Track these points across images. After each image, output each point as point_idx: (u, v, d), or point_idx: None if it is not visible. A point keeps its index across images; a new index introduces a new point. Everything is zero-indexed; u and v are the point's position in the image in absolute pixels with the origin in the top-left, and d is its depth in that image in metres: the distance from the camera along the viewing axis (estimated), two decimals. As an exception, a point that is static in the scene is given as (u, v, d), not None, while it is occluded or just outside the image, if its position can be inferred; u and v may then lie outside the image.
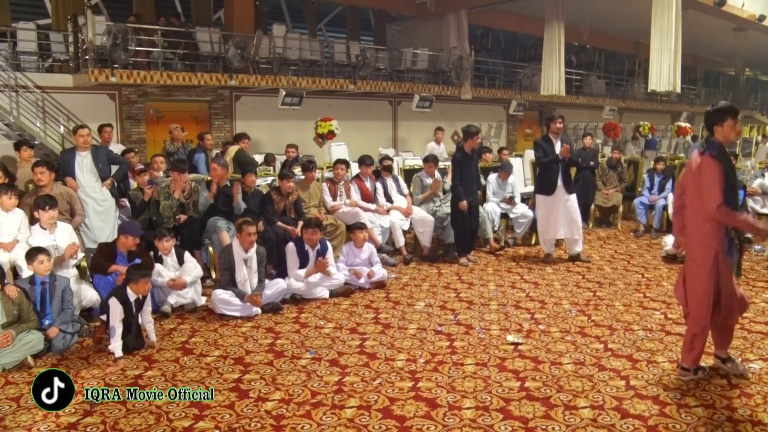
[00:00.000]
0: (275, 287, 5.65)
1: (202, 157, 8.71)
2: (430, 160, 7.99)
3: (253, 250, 5.56)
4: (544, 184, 7.22)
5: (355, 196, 7.57)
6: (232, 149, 8.46)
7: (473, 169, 7.32)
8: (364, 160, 7.81)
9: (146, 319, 4.69)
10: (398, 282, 6.50)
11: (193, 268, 5.66)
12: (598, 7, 16.42)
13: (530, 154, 9.23)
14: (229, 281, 5.45)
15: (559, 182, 7.08)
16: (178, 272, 5.58)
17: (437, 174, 7.97)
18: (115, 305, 4.40)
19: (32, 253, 4.67)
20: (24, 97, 9.51)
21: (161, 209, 6.32)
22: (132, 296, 4.55)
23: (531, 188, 8.93)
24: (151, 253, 5.66)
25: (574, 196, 7.20)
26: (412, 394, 3.77)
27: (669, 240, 7.40)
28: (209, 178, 6.99)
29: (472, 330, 4.94)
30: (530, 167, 9.54)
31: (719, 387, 3.83)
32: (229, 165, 8.28)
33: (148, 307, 4.72)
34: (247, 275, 5.50)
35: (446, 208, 7.60)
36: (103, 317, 4.66)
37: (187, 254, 5.81)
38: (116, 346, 4.36)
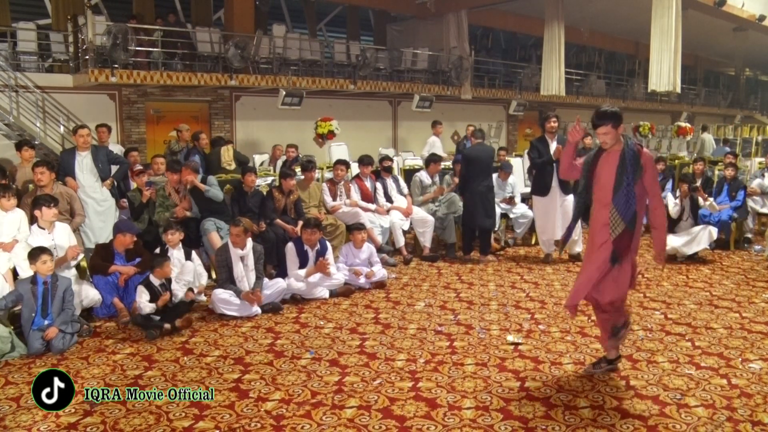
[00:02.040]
0: (275, 287, 5.65)
1: (196, 157, 8.72)
2: (434, 160, 8.01)
3: (249, 248, 5.57)
4: (539, 185, 7.22)
5: (355, 196, 7.57)
6: (231, 147, 8.58)
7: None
8: (363, 160, 7.82)
9: (178, 290, 5.18)
10: (398, 282, 6.50)
11: (190, 270, 5.61)
12: (598, 7, 16.43)
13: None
14: (226, 278, 5.47)
15: (554, 183, 7.06)
16: (178, 268, 5.58)
17: (437, 177, 7.98)
18: (141, 291, 4.99)
19: (35, 253, 4.68)
20: (24, 97, 9.52)
21: (157, 216, 6.29)
22: (156, 281, 5.05)
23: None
24: (157, 249, 5.67)
25: (571, 197, 7.14)
26: (412, 394, 3.77)
27: (669, 241, 7.39)
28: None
29: (472, 330, 4.94)
30: (530, 167, 9.54)
31: (719, 387, 3.83)
32: (231, 164, 8.37)
33: (176, 284, 5.22)
34: (244, 272, 5.51)
35: (446, 209, 7.62)
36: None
37: (194, 254, 5.81)
38: (149, 309, 4.95)
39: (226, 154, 8.48)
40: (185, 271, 5.51)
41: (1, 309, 4.59)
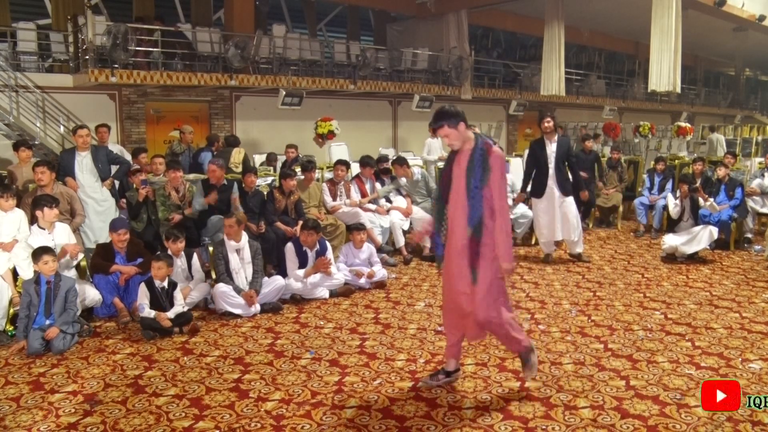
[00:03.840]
0: (273, 285, 5.66)
1: (208, 156, 8.74)
2: (397, 162, 8.00)
3: (244, 242, 5.61)
4: (535, 186, 7.20)
5: (355, 196, 7.57)
6: (242, 150, 8.60)
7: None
8: (365, 162, 7.82)
9: (176, 303, 5.06)
10: (398, 282, 6.50)
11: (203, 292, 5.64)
12: (598, 7, 16.44)
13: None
14: (224, 271, 5.51)
15: (552, 184, 7.03)
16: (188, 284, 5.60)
17: (413, 172, 7.96)
18: (142, 291, 4.99)
19: (37, 254, 4.69)
20: (24, 97, 9.52)
21: (161, 214, 6.29)
22: (158, 283, 5.00)
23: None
24: (158, 251, 5.66)
25: (570, 199, 7.08)
26: (412, 394, 3.77)
27: (668, 240, 7.41)
28: (206, 176, 6.94)
29: (472, 330, 4.93)
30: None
31: (719, 387, 3.83)
32: (239, 166, 8.38)
33: (178, 294, 5.11)
34: (240, 265, 5.56)
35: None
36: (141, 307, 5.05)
37: (195, 257, 5.79)
38: (147, 312, 4.88)
39: (237, 155, 8.53)
40: (194, 295, 5.54)
41: (23, 318, 4.62)
